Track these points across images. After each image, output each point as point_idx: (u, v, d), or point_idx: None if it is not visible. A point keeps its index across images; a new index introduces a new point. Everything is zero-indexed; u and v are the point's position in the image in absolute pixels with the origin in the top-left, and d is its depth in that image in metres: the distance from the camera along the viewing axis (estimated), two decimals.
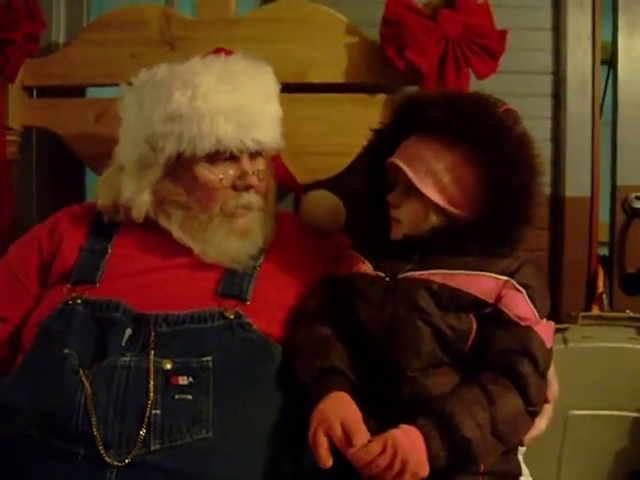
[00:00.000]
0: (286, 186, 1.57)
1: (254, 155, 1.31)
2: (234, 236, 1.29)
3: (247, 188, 1.29)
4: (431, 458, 1.00)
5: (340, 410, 1.06)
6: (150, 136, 1.26)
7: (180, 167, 1.28)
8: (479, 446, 1.01)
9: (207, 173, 1.27)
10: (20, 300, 1.30)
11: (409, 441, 0.99)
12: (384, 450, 0.98)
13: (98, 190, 1.37)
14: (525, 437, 1.13)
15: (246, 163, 1.29)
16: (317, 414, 1.07)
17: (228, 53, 1.43)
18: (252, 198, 1.30)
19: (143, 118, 1.28)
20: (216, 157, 1.27)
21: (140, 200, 1.29)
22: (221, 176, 1.27)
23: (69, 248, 1.31)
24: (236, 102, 1.26)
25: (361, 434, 1.03)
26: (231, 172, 1.28)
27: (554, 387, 1.18)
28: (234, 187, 1.29)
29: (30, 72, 1.76)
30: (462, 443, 1.00)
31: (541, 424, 1.16)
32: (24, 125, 1.78)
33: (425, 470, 0.99)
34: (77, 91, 1.86)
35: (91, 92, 1.93)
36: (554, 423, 1.68)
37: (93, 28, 1.77)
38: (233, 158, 1.28)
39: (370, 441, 1.01)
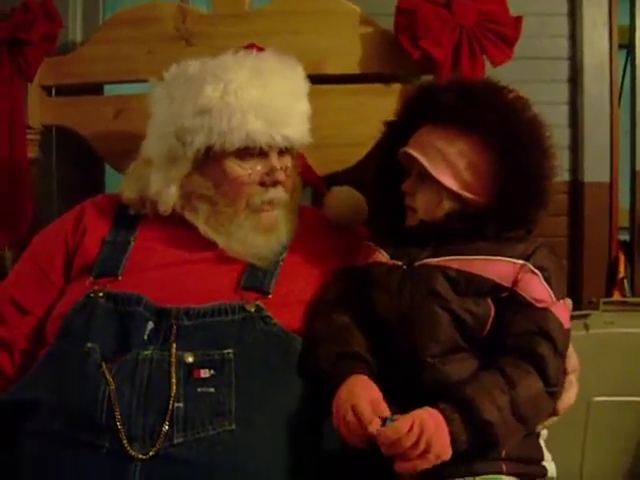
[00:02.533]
0: (308, 182, 1.58)
1: (282, 152, 1.31)
2: (259, 232, 1.30)
3: (274, 184, 1.30)
4: (453, 441, 1.00)
5: (363, 390, 1.07)
6: (179, 129, 1.27)
7: (208, 161, 1.28)
8: (500, 428, 1.02)
9: (236, 168, 1.28)
10: (44, 292, 1.31)
11: (434, 422, 1.00)
12: (411, 429, 0.99)
13: (124, 183, 1.38)
14: (555, 410, 1.13)
15: (274, 159, 1.29)
16: (340, 395, 1.08)
17: (260, 49, 1.44)
18: (279, 194, 1.31)
19: (173, 112, 1.29)
20: (245, 152, 1.27)
21: (167, 193, 1.30)
22: (250, 171, 1.28)
23: (92, 240, 1.32)
24: (266, 99, 1.27)
25: (384, 412, 1.04)
26: (259, 168, 1.28)
27: (573, 358, 1.18)
28: (261, 183, 1.29)
29: (48, 71, 1.78)
30: (483, 426, 1.01)
31: (571, 396, 1.17)
32: (44, 124, 1.80)
33: (448, 453, 1.00)
34: (95, 89, 1.88)
35: (109, 89, 1.94)
36: (577, 410, 1.69)
37: (109, 26, 1.79)
38: (262, 154, 1.28)
39: (394, 420, 1.01)
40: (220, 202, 1.29)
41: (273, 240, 1.31)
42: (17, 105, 1.74)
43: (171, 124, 1.29)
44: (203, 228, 1.30)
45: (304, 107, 1.35)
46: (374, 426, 1.02)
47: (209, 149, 1.27)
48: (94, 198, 1.45)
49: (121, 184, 1.39)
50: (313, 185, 1.61)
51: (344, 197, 1.46)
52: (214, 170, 1.29)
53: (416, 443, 0.98)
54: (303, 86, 1.37)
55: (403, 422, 1.00)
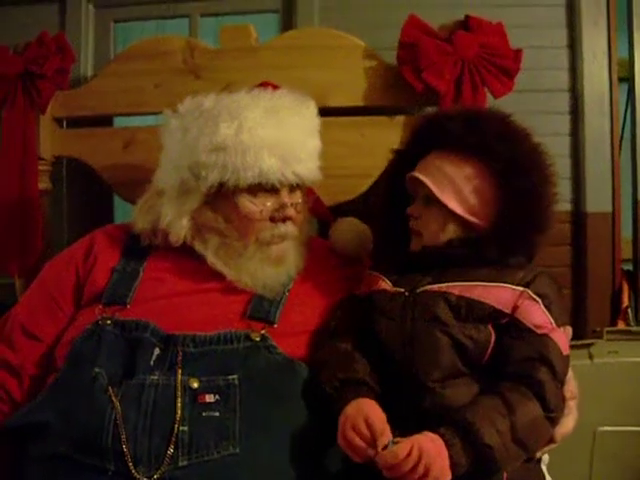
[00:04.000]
0: (318, 216, 1.60)
1: (293, 188, 1.33)
2: (268, 264, 1.31)
3: (284, 220, 1.32)
4: (453, 465, 1.00)
5: (365, 411, 1.08)
6: (194, 164, 1.29)
7: (221, 196, 1.30)
8: (500, 453, 1.02)
9: (249, 204, 1.29)
10: (55, 320, 1.33)
11: (434, 447, 1.01)
12: (409, 454, 0.99)
13: (136, 214, 1.39)
14: (552, 438, 1.14)
15: (285, 196, 1.31)
16: (348, 411, 1.08)
17: (275, 87, 1.46)
18: (288, 229, 1.32)
19: (187, 145, 1.30)
20: (257, 189, 1.29)
21: (179, 225, 1.32)
22: (261, 207, 1.29)
23: (102, 269, 1.34)
24: (280, 137, 1.29)
25: (385, 433, 1.04)
26: (269, 204, 1.30)
27: (572, 385, 1.18)
28: (272, 218, 1.31)
29: (60, 104, 1.82)
30: (484, 450, 1.01)
31: (569, 423, 1.17)
32: (55, 155, 1.84)
33: (447, 477, 1.00)
34: (105, 121, 1.92)
35: (119, 121, 1.98)
36: (583, 439, 1.69)
37: (119, 60, 1.83)
38: (273, 190, 1.30)
39: (396, 442, 1.02)
40: (230, 236, 1.31)
41: (282, 272, 1.32)
42: (29, 136, 1.78)
43: (185, 158, 1.30)
44: (212, 259, 1.31)
45: (316, 144, 1.38)
46: (384, 439, 1.03)
47: (222, 184, 1.28)
48: (104, 228, 1.47)
49: (133, 215, 1.40)
50: (321, 217, 1.63)
51: (349, 228, 1.47)
52: (225, 205, 1.30)
53: (414, 468, 0.99)
54: (315, 123, 1.39)
55: (402, 447, 1.01)
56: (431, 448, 1.00)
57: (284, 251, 1.33)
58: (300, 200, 1.35)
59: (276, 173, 1.27)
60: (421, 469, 0.99)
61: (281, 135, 1.29)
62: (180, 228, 1.32)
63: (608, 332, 1.76)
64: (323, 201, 1.63)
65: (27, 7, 2.09)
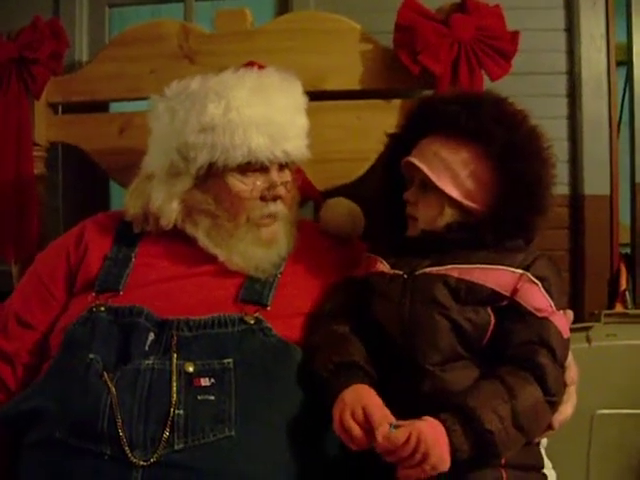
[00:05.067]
0: (307, 196, 1.60)
1: (282, 166, 1.33)
2: (259, 244, 1.31)
3: (274, 198, 1.32)
4: (454, 451, 1.00)
5: (362, 397, 1.08)
6: (182, 145, 1.29)
7: (210, 177, 1.30)
8: (501, 438, 1.02)
9: (238, 183, 1.29)
10: (47, 308, 1.33)
11: (433, 434, 1.01)
12: (408, 441, 1.00)
13: (127, 201, 1.39)
14: (551, 424, 1.13)
15: (275, 174, 1.31)
16: (339, 403, 1.08)
17: (260, 67, 1.46)
18: (278, 208, 1.33)
19: (175, 128, 1.30)
20: (246, 168, 1.29)
21: (169, 208, 1.32)
22: (251, 186, 1.30)
23: (94, 257, 1.34)
24: (268, 115, 1.29)
25: (385, 417, 1.04)
26: (259, 183, 1.30)
27: (573, 370, 1.18)
28: (262, 197, 1.31)
29: (55, 89, 1.81)
30: (485, 436, 1.01)
31: (567, 410, 1.17)
32: (50, 141, 1.83)
33: (445, 465, 1.00)
34: (100, 106, 1.91)
35: (114, 107, 1.97)
36: (581, 423, 1.69)
37: (114, 45, 1.82)
38: (262, 169, 1.30)
39: (397, 426, 1.02)
40: (221, 216, 1.31)
41: (273, 252, 1.32)
42: (24, 122, 1.77)
43: (173, 140, 1.30)
44: (203, 242, 1.31)
45: (303, 122, 1.37)
46: (383, 428, 1.02)
47: (211, 165, 1.28)
48: (94, 217, 1.47)
49: (124, 201, 1.41)
50: (310, 197, 1.63)
51: (339, 208, 1.48)
52: (215, 185, 1.30)
53: (412, 454, 0.99)
54: (302, 101, 1.39)
55: (400, 433, 1.01)
56: (430, 435, 1.00)
57: (275, 233, 1.33)
58: (290, 179, 1.35)
59: (265, 151, 1.27)
60: (419, 456, 0.99)
61: (269, 113, 1.29)
62: (170, 211, 1.32)
63: (606, 315, 1.75)
64: (316, 184, 1.63)
65: None
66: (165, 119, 1.33)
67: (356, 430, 1.05)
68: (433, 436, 1.00)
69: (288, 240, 1.36)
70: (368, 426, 1.04)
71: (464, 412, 1.03)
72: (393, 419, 1.04)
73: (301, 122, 1.37)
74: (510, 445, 1.05)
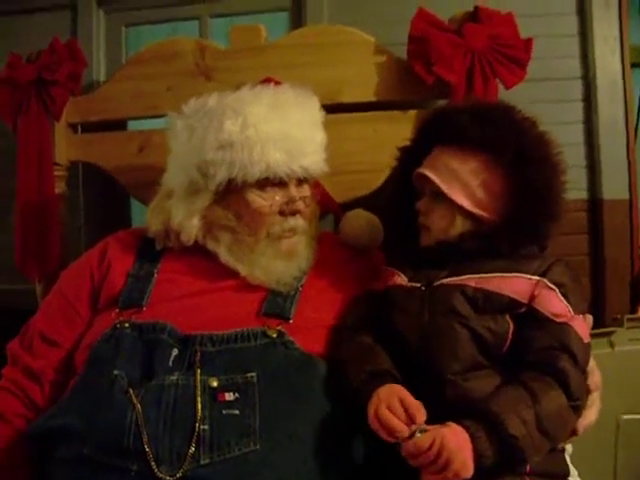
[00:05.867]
0: (326, 209, 1.61)
1: (301, 181, 1.34)
2: (280, 258, 1.32)
3: (293, 213, 1.33)
4: (478, 457, 1.01)
5: (398, 391, 1.09)
6: (202, 163, 1.30)
7: (230, 193, 1.31)
8: (526, 443, 1.02)
9: (258, 199, 1.31)
10: (73, 325, 1.34)
11: (456, 441, 1.01)
12: (431, 446, 1.00)
13: (149, 218, 1.41)
14: (575, 429, 1.13)
15: (293, 189, 1.32)
16: (374, 399, 1.09)
17: (277, 83, 1.48)
18: (298, 222, 1.34)
19: (194, 145, 1.32)
20: (265, 183, 1.30)
21: (190, 225, 1.33)
22: (271, 202, 1.31)
23: (117, 274, 1.36)
24: (285, 131, 1.30)
25: (420, 411, 1.05)
26: (278, 198, 1.31)
27: (596, 376, 1.18)
28: (281, 212, 1.32)
29: (74, 109, 1.84)
30: (509, 441, 1.01)
31: (591, 415, 1.16)
32: (70, 160, 1.86)
33: (469, 471, 1.00)
34: (119, 125, 1.93)
35: (132, 125, 1.99)
36: (606, 429, 1.68)
37: (131, 64, 1.84)
38: (281, 184, 1.32)
39: (424, 430, 1.03)
40: (241, 232, 1.32)
41: (293, 265, 1.33)
42: (45, 143, 1.80)
43: (193, 157, 1.32)
44: (225, 257, 1.33)
45: (321, 137, 1.38)
46: (420, 417, 1.04)
47: (230, 181, 1.29)
48: (116, 234, 1.49)
49: (146, 218, 1.42)
50: (330, 210, 1.65)
51: (358, 220, 1.49)
52: (235, 201, 1.32)
53: (435, 460, 0.99)
54: (319, 116, 1.40)
55: (424, 439, 1.01)
56: (453, 441, 1.00)
57: (294, 245, 1.34)
58: (308, 194, 1.36)
59: (283, 167, 1.29)
60: (442, 462, 0.99)
61: (286, 129, 1.30)
62: (191, 228, 1.33)
63: (629, 320, 1.74)
64: (333, 196, 1.63)
65: (39, 15, 2.11)
66: (183, 137, 1.34)
67: (394, 420, 1.05)
68: (456, 442, 1.01)
69: (308, 253, 1.37)
70: (406, 416, 1.05)
71: (488, 418, 1.03)
72: (425, 417, 1.05)
73: (319, 137, 1.38)
74: (535, 450, 1.05)
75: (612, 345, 1.70)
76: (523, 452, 1.03)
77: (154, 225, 1.39)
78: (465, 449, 1.01)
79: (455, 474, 1.00)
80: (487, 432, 1.02)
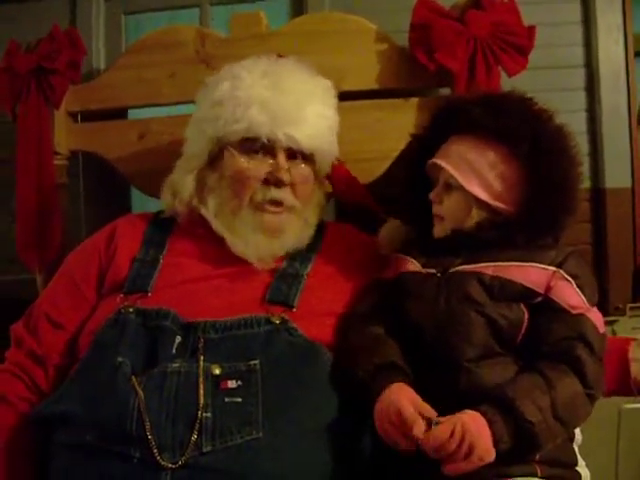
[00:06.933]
0: (353, 198, 1.61)
1: (295, 155, 1.34)
2: (261, 232, 1.32)
3: (278, 184, 1.32)
4: (495, 442, 1.01)
5: (404, 394, 1.09)
6: (198, 121, 1.35)
7: (219, 155, 1.34)
8: (542, 429, 1.03)
9: (241, 160, 1.32)
10: (79, 308, 1.34)
11: (475, 425, 1.02)
12: (452, 434, 1.00)
13: (163, 191, 1.43)
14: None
15: (282, 159, 1.32)
16: (383, 401, 1.09)
17: (281, 57, 1.48)
18: (283, 195, 1.33)
19: (200, 110, 1.38)
20: (250, 147, 1.32)
21: (185, 182, 1.36)
22: (252, 162, 1.32)
23: (123, 258, 1.36)
24: (273, 96, 1.31)
25: (428, 413, 1.05)
26: (265, 165, 1.32)
27: None
28: (266, 181, 1.32)
29: (74, 98, 1.82)
30: (525, 426, 1.02)
31: None
32: (70, 149, 1.84)
33: (491, 455, 1.01)
34: (119, 113, 1.92)
35: (132, 114, 1.98)
36: (609, 417, 1.68)
37: (131, 52, 1.83)
38: (270, 153, 1.32)
39: (438, 423, 1.03)
40: (225, 194, 1.33)
41: (275, 244, 1.33)
42: (45, 132, 1.79)
43: (196, 120, 1.38)
44: (213, 222, 1.34)
45: (316, 113, 1.37)
46: (418, 428, 1.03)
47: (220, 142, 1.33)
48: (126, 216, 1.50)
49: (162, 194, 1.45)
50: (360, 199, 1.62)
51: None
52: (222, 164, 1.34)
53: (459, 447, 1.00)
54: (319, 93, 1.40)
55: (444, 427, 1.02)
56: (473, 426, 1.01)
57: (280, 222, 1.34)
58: (304, 172, 1.36)
59: (264, 129, 1.30)
60: (465, 447, 1.00)
61: (275, 95, 1.32)
62: (185, 185, 1.36)
63: (631, 309, 1.75)
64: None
65: (38, 3, 2.09)
66: (200, 106, 1.40)
67: (394, 434, 1.05)
68: (476, 427, 1.01)
69: (297, 236, 1.36)
70: (404, 429, 1.05)
71: (504, 403, 1.04)
72: (434, 414, 1.05)
73: (313, 110, 1.36)
74: (551, 436, 1.05)
75: (615, 334, 1.71)
76: (538, 438, 1.03)
77: (166, 197, 1.41)
78: (484, 434, 1.01)
79: (480, 458, 1.00)
80: (503, 417, 1.03)
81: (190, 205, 1.37)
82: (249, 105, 1.30)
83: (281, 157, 1.32)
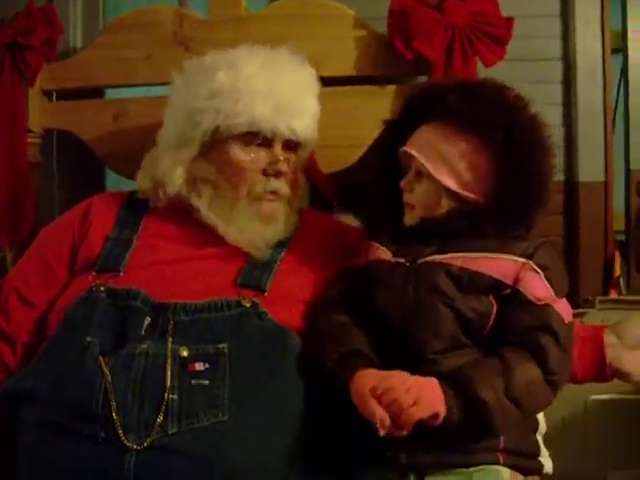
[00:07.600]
0: (317, 184, 1.61)
1: (289, 146, 1.34)
2: (258, 220, 1.32)
3: (277, 175, 1.33)
4: (448, 410, 1.02)
5: (375, 374, 1.09)
6: (190, 111, 1.32)
7: (214, 146, 1.32)
8: (495, 409, 1.03)
9: (240, 152, 1.31)
10: (49, 286, 1.33)
11: (428, 381, 1.04)
12: (405, 381, 1.03)
13: (140, 174, 1.41)
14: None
15: (279, 150, 1.32)
16: (357, 390, 1.08)
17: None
18: (280, 185, 1.34)
19: (187, 97, 1.34)
20: (250, 140, 1.31)
21: (174, 174, 1.33)
22: (252, 155, 1.31)
23: (96, 236, 1.35)
24: (274, 87, 1.31)
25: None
26: (263, 157, 1.32)
27: None
28: (264, 172, 1.32)
29: (49, 76, 1.80)
30: (477, 403, 1.03)
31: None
32: (44, 128, 1.83)
33: (442, 408, 1.02)
34: (95, 93, 1.90)
35: (109, 93, 1.97)
36: (576, 409, 1.69)
37: (109, 31, 1.81)
38: (267, 144, 1.32)
39: None
40: (222, 187, 1.32)
41: (269, 231, 1.33)
42: (18, 109, 1.77)
43: (185, 107, 1.33)
44: (205, 212, 1.32)
45: (312, 104, 1.39)
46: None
47: (216, 133, 1.30)
48: (101, 194, 1.49)
49: (138, 176, 1.42)
50: (320, 186, 1.63)
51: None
52: (218, 155, 1.32)
53: (408, 390, 1.01)
54: (312, 85, 1.41)
55: (399, 374, 1.04)
56: (425, 381, 1.04)
57: (274, 210, 1.34)
58: (295, 159, 1.36)
59: (268, 123, 1.29)
60: (414, 393, 1.01)
61: (276, 86, 1.31)
62: (174, 178, 1.33)
63: (600, 301, 1.76)
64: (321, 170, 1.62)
65: None
66: (180, 92, 1.37)
67: (379, 412, 1.03)
68: (427, 383, 1.04)
69: (287, 222, 1.36)
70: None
71: (458, 380, 1.05)
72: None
73: (310, 103, 1.38)
74: (505, 417, 1.06)
75: None
76: (492, 417, 1.04)
77: (144, 183, 1.39)
78: (437, 392, 1.03)
79: (429, 406, 1.01)
80: (456, 391, 1.04)
81: (178, 195, 1.35)
82: (251, 99, 1.28)
83: (278, 148, 1.32)
